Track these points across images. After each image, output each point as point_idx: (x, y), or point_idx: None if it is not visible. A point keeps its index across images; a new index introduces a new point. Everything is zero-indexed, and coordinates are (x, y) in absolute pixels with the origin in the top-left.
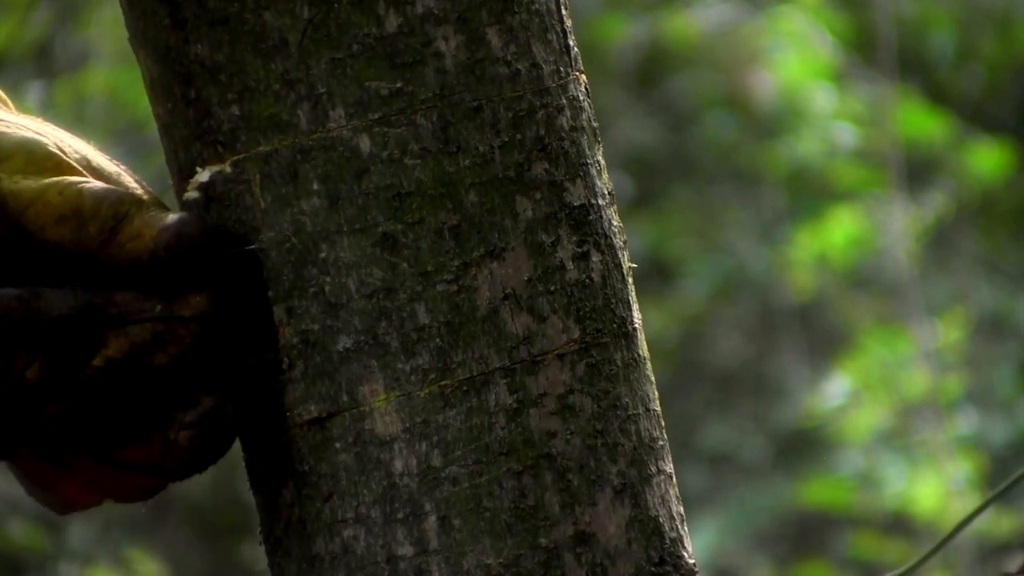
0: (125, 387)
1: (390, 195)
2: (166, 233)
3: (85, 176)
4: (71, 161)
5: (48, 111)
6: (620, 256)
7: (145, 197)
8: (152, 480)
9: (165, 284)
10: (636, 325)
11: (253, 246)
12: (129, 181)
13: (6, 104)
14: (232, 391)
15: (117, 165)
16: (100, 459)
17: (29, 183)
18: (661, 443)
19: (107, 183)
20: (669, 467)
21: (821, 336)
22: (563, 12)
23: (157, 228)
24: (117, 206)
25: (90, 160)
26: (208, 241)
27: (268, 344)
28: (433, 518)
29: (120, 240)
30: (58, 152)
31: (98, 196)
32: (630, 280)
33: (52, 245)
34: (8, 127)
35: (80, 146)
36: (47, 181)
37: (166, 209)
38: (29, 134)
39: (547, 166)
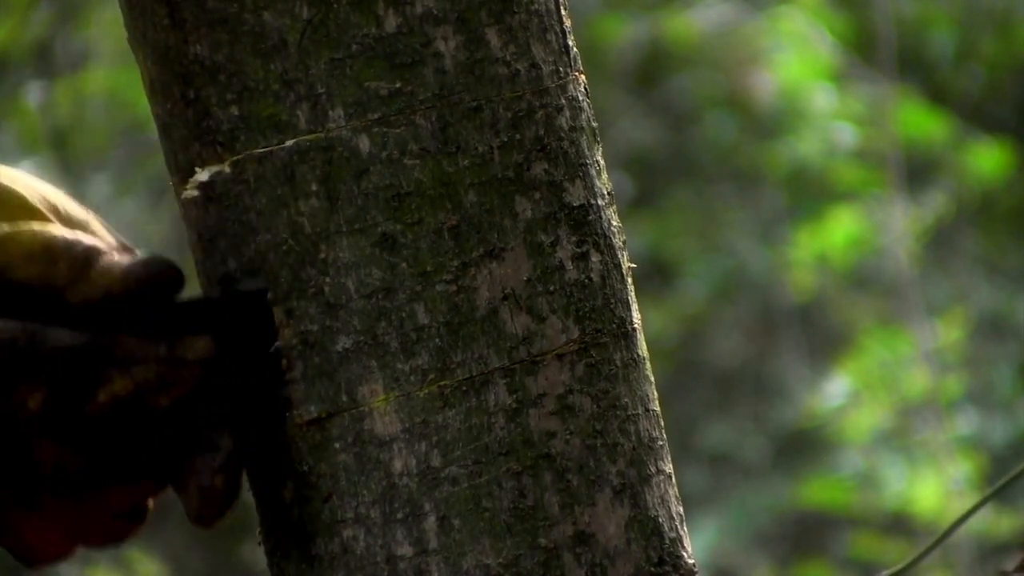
0: (125, 427)
1: (389, 195)
2: (137, 266)
3: (55, 223)
4: (42, 208)
5: (48, 111)
6: (620, 256)
7: (114, 243)
8: (132, 524)
9: (152, 325)
10: (636, 325)
11: (260, 288)
12: (98, 228)
13: None
14: (245, 431)
15: (87, 212)
16: (83, 501)
17: (2, 227)
18: (661, 443)
19: (76, 229)
20: (669, 467)
21: (821, 336)
22: (562, 12)
23: (128, 263)
24: (88, 250)
25: (58, 207)
26: (178, 276)
27: (276, 381)
28: (432, 518)
29: (91, 276)
30: (29, 199)
31: (69, 239)
32: (630, 280)
33: (18, 284)
34: None
35: (50, 192)
36: (20, 225)
37: (135, 253)
38: (3, 180)
39: (546, 166)
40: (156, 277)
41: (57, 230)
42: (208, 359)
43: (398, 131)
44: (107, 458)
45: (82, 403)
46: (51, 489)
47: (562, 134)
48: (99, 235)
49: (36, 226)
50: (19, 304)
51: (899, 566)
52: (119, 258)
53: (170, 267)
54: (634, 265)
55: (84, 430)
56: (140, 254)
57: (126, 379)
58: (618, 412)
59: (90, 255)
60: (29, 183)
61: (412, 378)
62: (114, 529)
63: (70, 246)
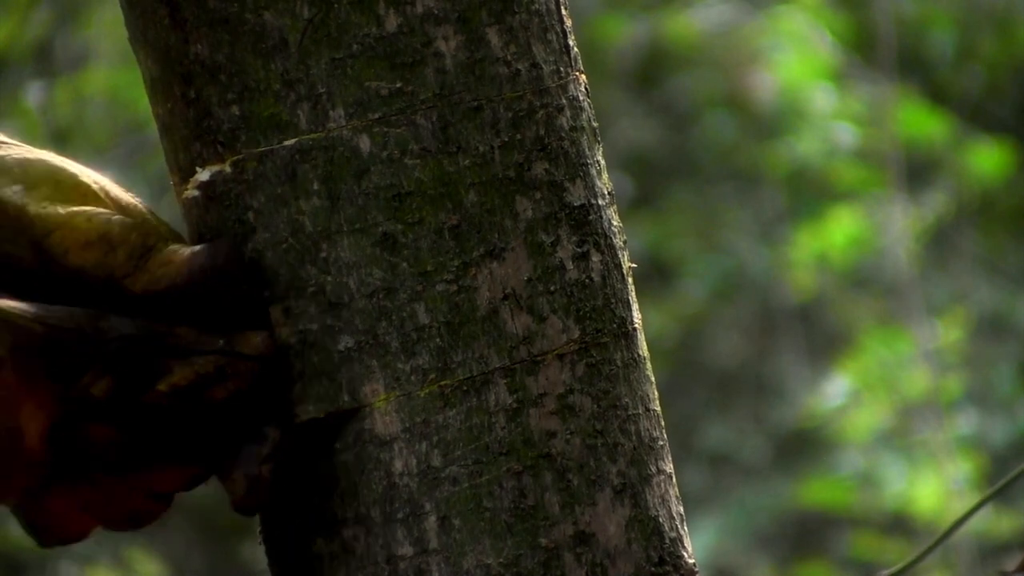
0: (182, 415)
1: (390, 195)
2: (201, 256)
3: (109, 206)
4: (95, 190)
5: (48, 111)
6: (620, 256)
7: (163, 231)
8: (159, 506)
9: (206, 316)
10: (636, 325)
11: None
12: (144, 212)
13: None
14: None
15: (133, 196)
16: (125, 480)
17: (56, 209)
18: (661, 443)
19: (125, 214)
20: (669, 467)
21: (821, 336)
22: (563, 12)
23: (190, 253)
24: (145, 237)
25: (108, 191)
26: (241, 267)
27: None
28: (433, 518)
29: (150, 267)
30: (84, 182)
31: (127, 225)
32: (630, 280)
33: (73, 271)
34: (33, 154)
35: (98, 177)
36: (74, 208)
37: (187, 242)
38: (56, 162)
39: (547, 166)
40: (221, 268)
41: (114, 216)
42: (265, 355)
43: (399, 131)
44: (157, 440)
45: (142, 391)
46: (97, 466)
47: (563, 134)
48: (149, 221)
49: (90, 209)
50: (71, 289)
51: (899, 566)
52: (177, 247)
53: (234, 257)
54: (634, 265)
55: (139, 415)
56: (200, 245)
57: (187, 370)
58: (619, 412)
59: (148, 243)
60: (78, 167)
61: (413, 378)
62: (141, 511)
63: (127, 233)
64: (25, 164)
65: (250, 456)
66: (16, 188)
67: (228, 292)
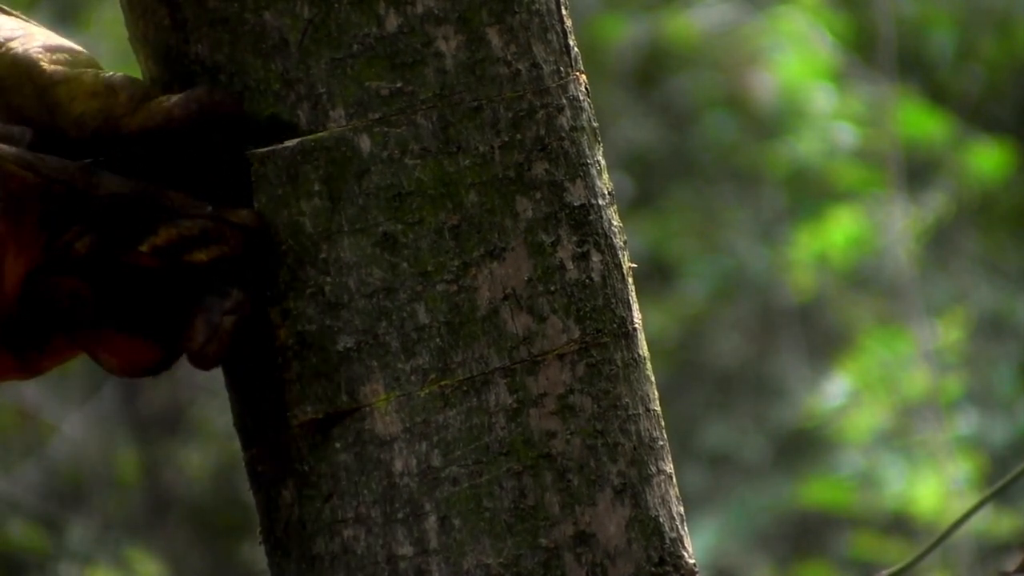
0: (156, 278)
1: (390, 195)
2: (198, 90)
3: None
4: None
5: None
6: (620, 256)
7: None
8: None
9: (198, 163)
10: (636, 325)
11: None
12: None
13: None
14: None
15: None
16: (79, 339)
17: (65, 68)
18: (661, 443)
19: None
20: (669, 467)
21: (821, 336)
22: (563, 12)
23: (188, 90)
24: (148, 89)
25: None
26: (239, 107)
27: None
28: (433, 518)
29: (149, 106)
30: (96, 62)
31: (132, 79)
32: (630, 280)
33: (75, 118)
34: (51, 33)
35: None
36: (85, 68)
37: None
38: (69, 43)
39: (547, 166)
40: (218, 105)
41: (120, 74)
42: (250, 227)
43: (399, 131)
44: (122, 303)
45: (124, 249)
46: (52, 320)
47: (563, 134)
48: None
49: (100, 70)
50: (66, 141)
51: (899, 566)
52: (175, 94)
53: (232, 98)
54: (634, 265)
55: (114, 274)
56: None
57: (171, 230)
58: (619, 412)
59: (150, 93)
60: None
61: (413, 378)
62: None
63: (131, 83)
64: (48, 36)
65: (213, 306)
66: (37, 47)
67: (223, 131)
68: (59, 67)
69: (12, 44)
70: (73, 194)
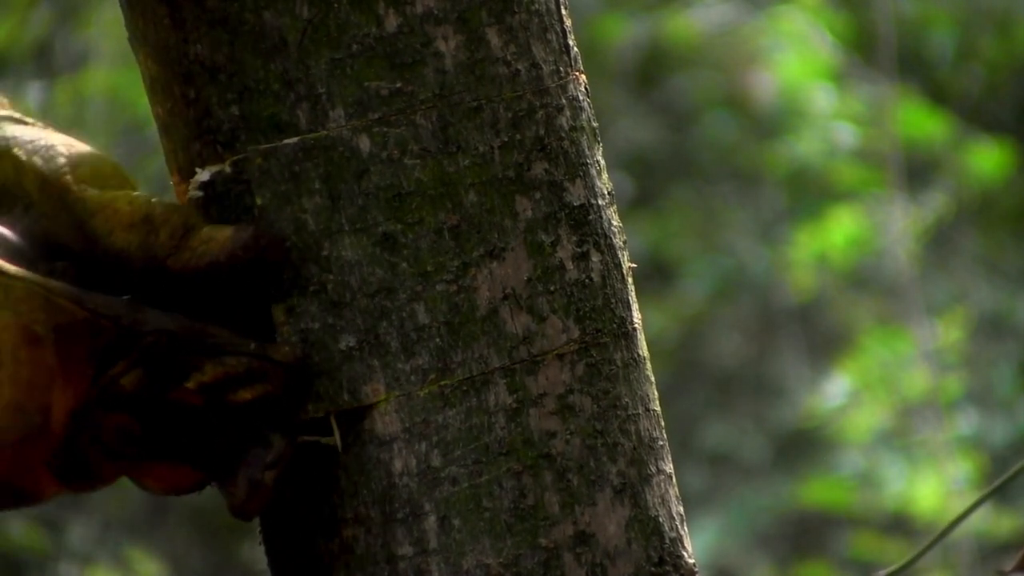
0: (201, 415)
1: (390, 195)
2: (243, 233)
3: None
4: (125, 174)
5: (48, 111)
6: (620, 256)
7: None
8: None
9: (244, 300)
10: (636, 325)
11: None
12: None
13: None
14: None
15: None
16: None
17: (97, 191)
18: (661, 443)
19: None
20: (669, 467)
21: (821, 336)
22: (563, 12)
23: (232, 230)
24: (187, 217)
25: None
26: (284, 249)
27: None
28: (433, 518)
29: (191, 244)
30: (117, 166)
31: (168, 206)
32: (630, 280)
33: (116, 252)
34: (69, 139)
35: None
36: (115, 192)
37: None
38: (89, 148)
39: (547, 166)
40: (264, 253)
41: (151, 196)
42: (291, 364)
43: (398, 131)
44: (167, 437)
45: (171, 387)
46: (99, 452)
47: (562, 134)
48: (185, 204)
49: (130, 192)
50: (109, 273)
51: (898, 565)
52: (218, 227)
53: (278, 245)
54: (634, 265)
55: (160, 409)
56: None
57: (218, 368)
58: (618, 412)
59: (189, 222)
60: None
61: (413, 378)
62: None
63: (169, 214)
64: (69, 145)
65: (256, 460)
66: (62, 163)
67: (268, 273)
68: (89, 189)
69: (36, 160)
70: (120, 329)
